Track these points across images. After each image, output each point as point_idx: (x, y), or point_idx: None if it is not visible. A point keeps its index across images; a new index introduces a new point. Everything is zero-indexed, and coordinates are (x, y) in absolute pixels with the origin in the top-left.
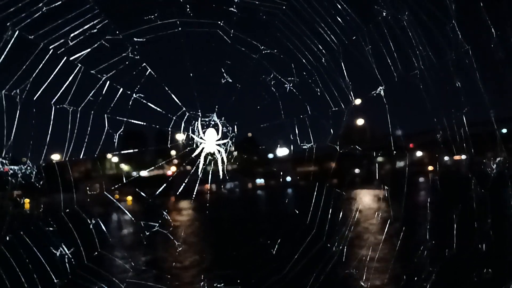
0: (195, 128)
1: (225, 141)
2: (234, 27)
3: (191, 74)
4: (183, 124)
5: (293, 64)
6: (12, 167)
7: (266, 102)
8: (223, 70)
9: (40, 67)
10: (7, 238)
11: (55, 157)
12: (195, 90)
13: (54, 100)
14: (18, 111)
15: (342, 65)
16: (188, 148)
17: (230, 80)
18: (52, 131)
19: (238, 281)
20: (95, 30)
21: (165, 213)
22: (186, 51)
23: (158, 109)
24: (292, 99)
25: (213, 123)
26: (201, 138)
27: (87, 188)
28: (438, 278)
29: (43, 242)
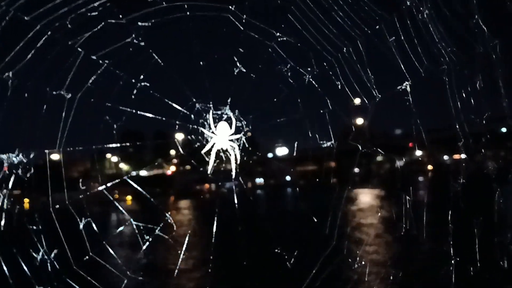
0: (206, 121)
1: (238, 136)
2: (247, 12)
3: (201, 63)
4: (192, 117)
5: (312, 54)
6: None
7: (283, 95)
8: (236, 59)
9: (36, 50)
10: None
11: (48, 147)
12: (206, 80)
13: (50, 85)
14: (9, 95)
15: (364, 57)
16: (198, 144)
17: (244, 70)
18: (47, 118)
19: None
20: (96, 13)
21: (167, 215)
22: (195, 37)
23: (166, 99)
24: (310, 92)
25: (225, 116)
26: (212, 132)
27: (80, 183)
28: None
29: (26, 243)
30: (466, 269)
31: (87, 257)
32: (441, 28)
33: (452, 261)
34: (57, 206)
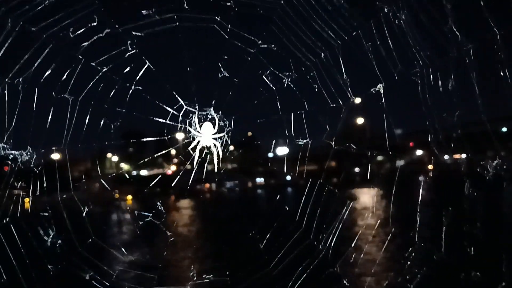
0: (192, 121)
1: (221, 134)
2: (231, 22)
3: (188, 69)
4: (180, 117)
5: (291, 59)
6: (13, 152)
7: (263, 97)
8: (220, 65)
9: (42, 57)
10: (4, 221)
11: (54, 145)
12: (193, 84)
13: (56, 90)
14: (19, 99)
15: (341, 62)
16: (185, 141)
17: (228, 75)
18: (53, 119)
19: (227, 272)
20: (95, 23)
21: (158, 204)
22: (183, 45)
23: (157, 102)
24: (290, 95)
25: (210, 117)
26: (197, 131)
27: (83, 177)
28: (424, 280)
29: (38, 228)
30: (430, 254)
31: (90, 240)
32: (417, 33)
33: (415, 246)
34: (64, 195)
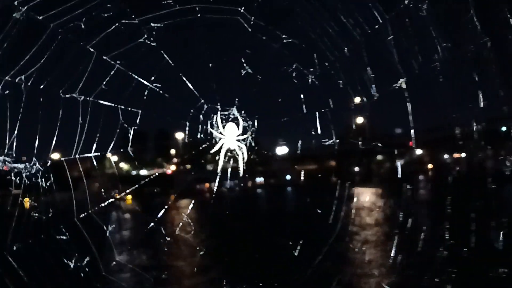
0: (214, 122)
1: (245, 136)
2: (255, 14)
3: (210, 65)
4: (201, 117)
5: (315, 54)
6: (15, 165)
7: (287, 95)
8: (243, 60)
9: (49, 51)
10: (14, 248)
11: (62, 154)
12: (214, 81)
13: (63, 88)
14: (23, 101)
15: (365, 56)
16: (207, 143)
17: (251, 71)
18: (60, 123)
19: (260, 284)
20: (110, 13)
21: (185, 216)
22: (205, 39)
23: (176, 101)
24: (314, 91)
25: (232, 117)
26: (220, 133)
27: (102, 191)
28: (457, 277)
29: (56, 252)
30: (460, 251)
31: (114, 262)
32: (437, 26)
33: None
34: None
